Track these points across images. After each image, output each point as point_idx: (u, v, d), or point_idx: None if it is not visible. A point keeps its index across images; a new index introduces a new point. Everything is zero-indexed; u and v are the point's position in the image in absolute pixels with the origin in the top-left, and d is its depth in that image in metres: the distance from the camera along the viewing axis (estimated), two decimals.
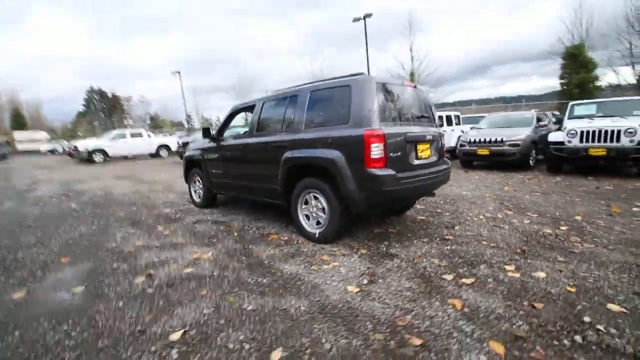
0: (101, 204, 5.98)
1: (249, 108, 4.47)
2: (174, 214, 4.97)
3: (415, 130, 3.31)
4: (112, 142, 16.44)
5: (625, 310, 2.02)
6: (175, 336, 1.90)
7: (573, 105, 8.52)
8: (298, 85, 3.77)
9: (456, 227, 3.81)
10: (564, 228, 3.65)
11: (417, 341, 1.79)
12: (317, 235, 3.35)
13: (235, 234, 3.84)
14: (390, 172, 2.91)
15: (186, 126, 48.79)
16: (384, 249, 3.19)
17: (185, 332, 1.94)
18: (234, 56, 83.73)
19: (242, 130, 6.17)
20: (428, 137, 3.41)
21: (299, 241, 3.46)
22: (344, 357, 1.69)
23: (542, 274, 2.54)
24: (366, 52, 22.78)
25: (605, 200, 4.82)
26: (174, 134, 25.62)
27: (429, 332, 1.88)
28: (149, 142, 17.76)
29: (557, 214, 4.25)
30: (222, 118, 5.04)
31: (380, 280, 2.53)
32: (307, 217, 3.50)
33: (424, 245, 3.24)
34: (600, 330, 1.84)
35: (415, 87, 3.65)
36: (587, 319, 1.95)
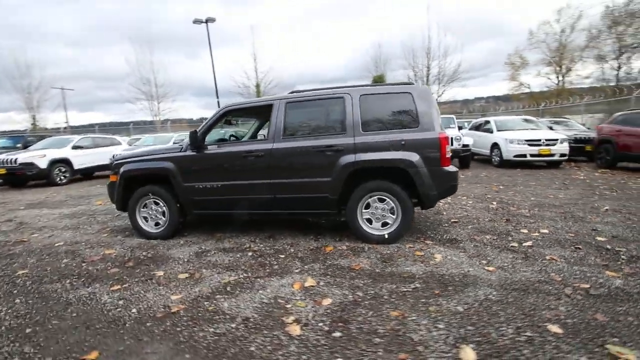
0: None
1: (256, 109, 3.79)
2: (132, 253, 3.45)
3: None
4: None
5: None
6: (468, 355, 1.69)
7: None
8: (335, 87, 3.60)
9: (444, 213, 4.72)
10: (496, 204, 5.25)
11: (586, 285, 2.41)
12: (386, 236, 3.38)
13: (282, 257, 3.23)
14: (455, 168, 3.40)
15: None
16: (438, 237, 3.63)
17: (474, 349, 1.75)
18: None
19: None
20: None
21: (367, 247, 3.35)
22: (584, 310, 2.07)
23: (570, 233, 3.73)
24: (211, 57, 21.72)
25: (480, 184, 7.10)
26: None
27: (582, 278, 2.52)
28: None
29: (479, 193, 5.94)
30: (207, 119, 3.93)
31: (489, 259, 2.98)
32: (369, 220, 3.45)
33: (455, 229, 3.91)
34: None
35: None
36: None
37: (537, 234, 3.64)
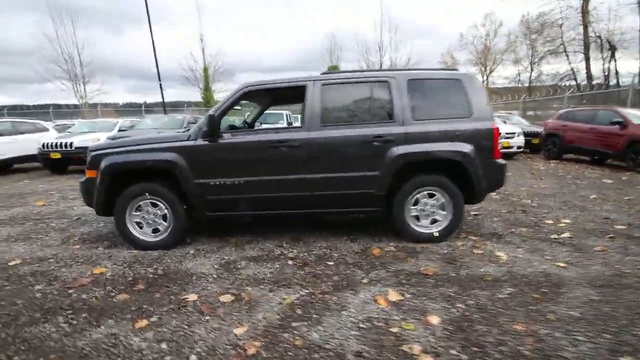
0: None
1: (282, 90, 3.19)
2: (133, 270, 2.67)
3: None
4: None
5: None
6: None
7: None
8: (375, 70, 3.19)
9: None
10: (495, 194, 5.38)
11: None
12: (436, 235, 3.12)
13: (331, 264, 2.78)
14: (504, 161, 3.25)
15: None
16: (479, 232, 3.51)
17: None
18: None
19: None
20: None
21: (418, 247, 3.06)
22: None
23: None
24: (151, 35, 19.21)
25: None
26: None
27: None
28: None
29: None
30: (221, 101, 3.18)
31: (549, 253, 2.90)
32: (416, 218, 3.16)
33: (485, 222, 3.85)
34: None
35: None
36: None
37: (562, 224, 3.72)
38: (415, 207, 3.15)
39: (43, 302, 2.25)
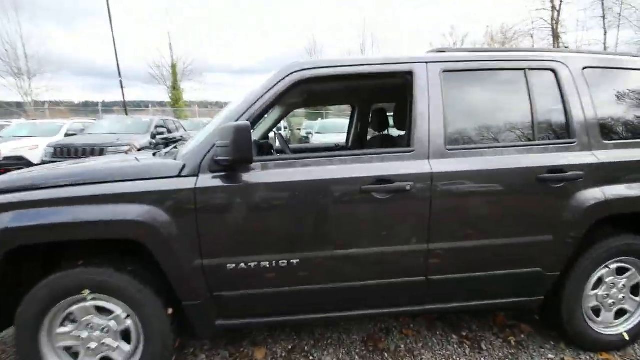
0: None
1: (360, 79, 1.70)
2: None
3: None
4: None
5: None
6: None
7: None
8: (524, 50, 1.82)
9: None
10: None
11: None
12: (626, 337, 1.78)
13: None
14: None
15: None
16: None
17: None
18: None
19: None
20: None
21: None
22: None
23: None
24: (111, 28, 16.79)
25: None
26: None
27: None
28: None
29: None
30: (239, 100, 1.59)
31: None
32: (595, 310, 1.80)
33: None
34: None
35: None
36: None
37: None
38: (595, 291, 1.79)
39: None
